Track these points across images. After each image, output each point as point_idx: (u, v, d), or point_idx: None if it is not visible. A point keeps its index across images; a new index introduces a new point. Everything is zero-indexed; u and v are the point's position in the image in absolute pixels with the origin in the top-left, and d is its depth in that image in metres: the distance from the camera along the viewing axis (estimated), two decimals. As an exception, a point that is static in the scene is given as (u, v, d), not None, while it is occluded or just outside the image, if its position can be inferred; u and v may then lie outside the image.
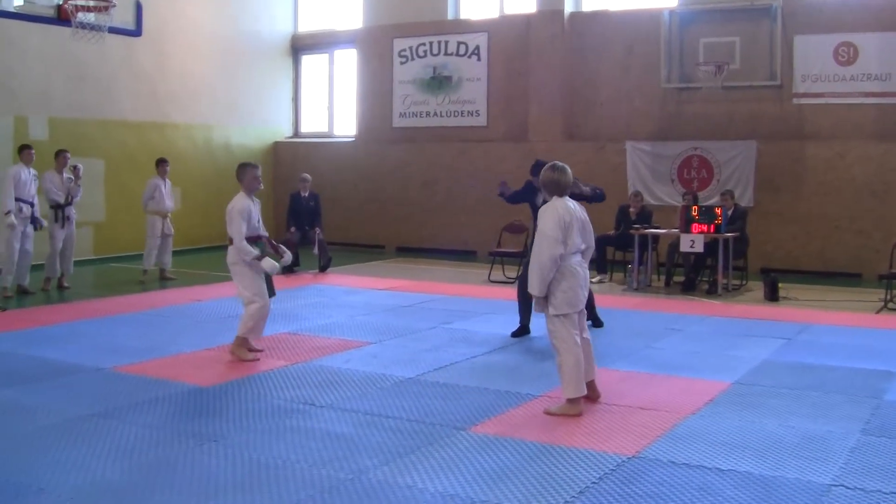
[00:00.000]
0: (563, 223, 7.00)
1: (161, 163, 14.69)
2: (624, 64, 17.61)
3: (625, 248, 14.96)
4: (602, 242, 14.91)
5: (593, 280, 14.62)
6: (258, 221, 8.92)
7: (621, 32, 17.59)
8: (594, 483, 5.52)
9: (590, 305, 9.92)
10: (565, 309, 7.05)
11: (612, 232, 15.14)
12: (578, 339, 7.11)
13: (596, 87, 17.91)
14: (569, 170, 7.33)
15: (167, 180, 14.60)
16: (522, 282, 10.36)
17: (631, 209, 15.03)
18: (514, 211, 14.17)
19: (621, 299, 13.11)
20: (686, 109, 17.09)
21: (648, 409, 7.17)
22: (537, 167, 9.20)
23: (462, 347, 9.46)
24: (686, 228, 13.59)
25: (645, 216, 14.86)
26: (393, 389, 7.75)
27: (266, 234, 9.10)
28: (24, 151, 13.15)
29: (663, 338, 10.10)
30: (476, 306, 11.83)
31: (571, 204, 7.24)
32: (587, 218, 7.33)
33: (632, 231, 14.34)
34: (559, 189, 7.21)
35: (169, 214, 14.58)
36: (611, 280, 14.86)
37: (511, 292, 10.84)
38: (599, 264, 14.91)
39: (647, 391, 7.75)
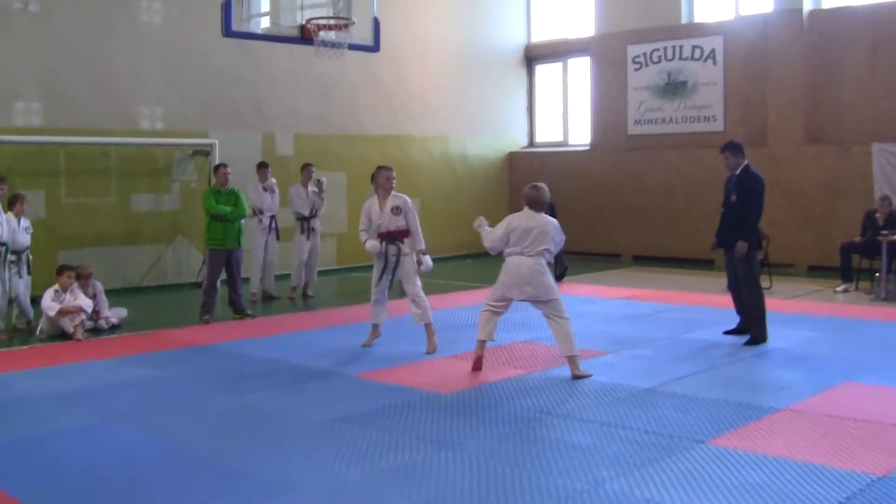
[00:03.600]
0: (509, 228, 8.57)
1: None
2: (869, 62, 16.83)
3: (872, 256, 14.27)
4: (847, 250, 14.35)
5: (837, 289, 14.07)
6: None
7: (865, 28, 16.82)
8: None
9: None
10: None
11: (857, 239, 14.51)
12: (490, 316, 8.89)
13: (839, 87, 17.20)
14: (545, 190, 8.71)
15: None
16: (732, 281, 10.12)
17: (878, 214, 14.34)
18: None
19: (869, 309, 12.51)
20: (939, 108, 16.18)
21: (900, 425, 6.80)
22: (732, 146, 10.55)
23: (701, 357, 9.28)
24: (940, 234, 12.87)
25: (894, 221, 14.14)
26: (630, 400, 7.69)
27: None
28: (259, 170, 13.95)
29: (916, 350, 9.58)
30: (715, 316, 11.53)
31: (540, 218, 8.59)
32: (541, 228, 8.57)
33: (879, 238, 13.69)
34: (537, 205, 8.60)
35: None
36: (857, 289, 14.19)
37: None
38: (845, 273, 14.32)
39: (899, 407, 7.36)
